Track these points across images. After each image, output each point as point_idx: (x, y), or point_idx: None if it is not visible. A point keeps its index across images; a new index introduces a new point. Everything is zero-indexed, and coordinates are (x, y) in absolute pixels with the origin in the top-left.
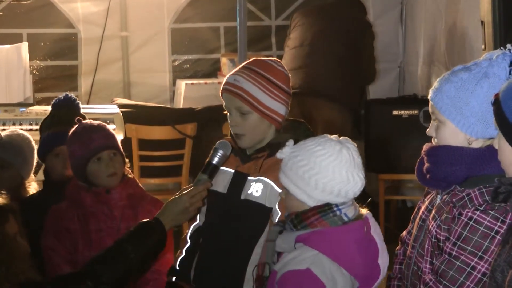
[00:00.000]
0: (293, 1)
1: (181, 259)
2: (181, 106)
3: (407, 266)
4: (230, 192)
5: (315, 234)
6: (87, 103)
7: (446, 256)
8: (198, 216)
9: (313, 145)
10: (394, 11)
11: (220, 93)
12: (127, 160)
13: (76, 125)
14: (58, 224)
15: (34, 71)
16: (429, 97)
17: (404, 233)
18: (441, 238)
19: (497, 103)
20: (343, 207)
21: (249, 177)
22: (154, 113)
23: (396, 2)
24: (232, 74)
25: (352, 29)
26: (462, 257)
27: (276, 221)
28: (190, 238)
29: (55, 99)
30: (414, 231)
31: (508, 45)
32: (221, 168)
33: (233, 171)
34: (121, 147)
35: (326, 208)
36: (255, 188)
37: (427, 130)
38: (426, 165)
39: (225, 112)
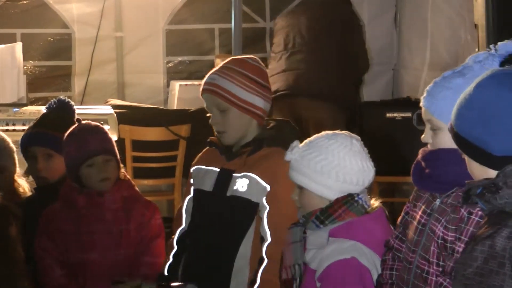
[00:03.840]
0: (288, 3)
1: (169, 265)
2: (175, 107)
3: (406, 270)
4: (216, 189)
5: (348, 225)
6: (81, 104)
7: (458, 255)
8: (183, 220)
9: (325, 140)
10: (388, 14)
11: (200, 95)
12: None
13: (74, 126)
14: (51, 225)
15: (28, 71)
16: (421, 104)
17: (390, 238)
18: (449, 239)
19: (450, 123)
20: (362, 196)
21: (234, 174)
22: (148, 114)
23: (390, 5)
24: (209, 74)
25: (337, 25)
26: None
27: (265, 216)
28: (177, 243)
29: (51, 101)
30: (413, 235)
31: (492, 46)
32: (207, 167)
33: (218, 169)
34: (117, 151)
35: (349, 199)
36: (241, 184)
37: (422, 137)
38: (427, 170)
39: (208, 114)
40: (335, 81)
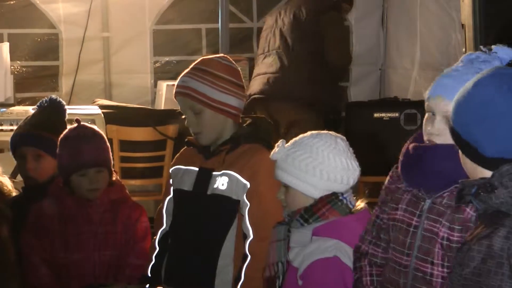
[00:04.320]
0: (275, 3)
1: (152, 266)
2: (162, 108)
3: (402, 274)
4: (196, 189)
5: (332, 224)
6: (68, 104)
7: None
8: (164, 221)
9: (310, 139)
10: (376, 14)
11: (174, 98)
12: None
13: (71, 128)
14: (38, 223)
15: (15, 72)
16: (435, 93)
17: (362, 245)
18: (455, 239)
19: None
20: (347, 195)
21: (213, 172)
22: (135, 114)
23: (378, 5)
24: (180, 76)
25: (309, 23)
26: None
27: (246, 212)
28: (158, 244)
29: (42, 100)
30: (404, 238)
31: (483, 48)
32: (186, 167)
33: (197, 169)
34: (111, 158)
35: (333, 198)
36: (221, 182)
37: (429, 129)
38: (419, 165)
39: (183, 116)
40: (306, 82)
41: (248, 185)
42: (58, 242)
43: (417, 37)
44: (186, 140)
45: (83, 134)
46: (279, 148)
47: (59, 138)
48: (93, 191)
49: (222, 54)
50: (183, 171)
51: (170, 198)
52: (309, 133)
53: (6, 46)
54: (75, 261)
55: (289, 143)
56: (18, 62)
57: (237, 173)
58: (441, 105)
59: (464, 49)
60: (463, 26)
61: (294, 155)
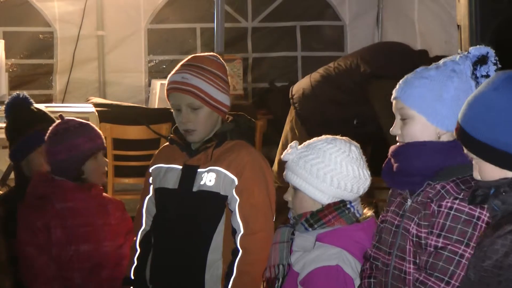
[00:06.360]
0: (269, 3)
1: (134, 268)
2: (156, 106)
3: (384, 273)
4: (181, 186)
5: (336, 232)
6: (62, 102)
7: (432, 249)
8: (144, 221)
9: (324, 143)
10: (371, 13)
11: (165, 94)
12: None
13: (63, 122)
14: (31, 220)
15: (10, 69)
16: (394, 96)
17: (368, 249)
18: (423, 235)
19: (459, 129)
20: (355, 204)
21: (199, 169)
22: (129, 112)
23: (373, 4)
24: (177, 73)
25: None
26: (449, 246)
27: (236, 207)
28: (139, 245)
29: (9, 98)
30: (388, 238)
31: (471, 49)
32: (168, 165)
33: (181, 167)
34: None
35: (341, 205)
36: (208, 178)
37: (391, 130)
38: (395, 165)
39: (172, 110)
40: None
41: (236, 180)
42: (58, 237)
43: (416, 37)
44: (169, 137)
45: (78, 124)
46: (292, 149)
47: (50, 133)
48: (104, 174)
49: (212, 53)
50: (165, 170)
51: (150, 197)
52: (324, 137)
53: (1, 44)
54: (77, 254)
55: (302, 145)
56: (13, 59)
57: (224, 168)
58: (396, 104)
59: (459, 50)
60: (458, 26)
61: (306, 158)
